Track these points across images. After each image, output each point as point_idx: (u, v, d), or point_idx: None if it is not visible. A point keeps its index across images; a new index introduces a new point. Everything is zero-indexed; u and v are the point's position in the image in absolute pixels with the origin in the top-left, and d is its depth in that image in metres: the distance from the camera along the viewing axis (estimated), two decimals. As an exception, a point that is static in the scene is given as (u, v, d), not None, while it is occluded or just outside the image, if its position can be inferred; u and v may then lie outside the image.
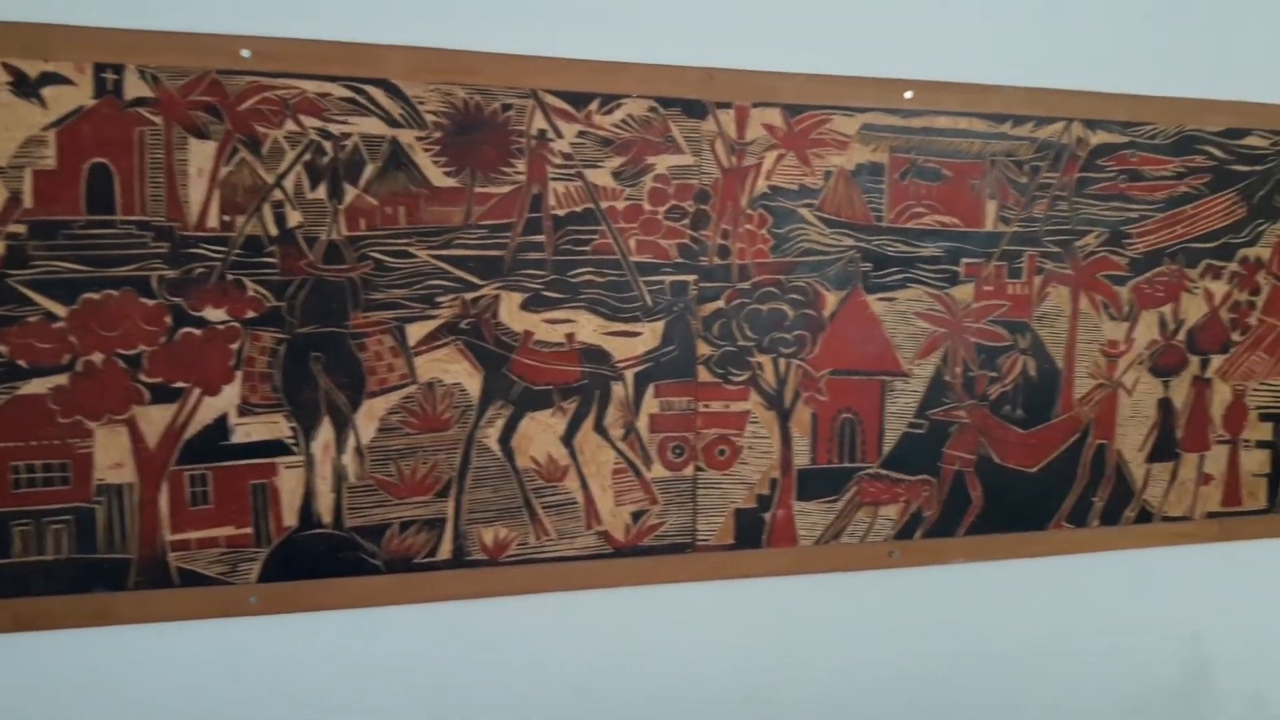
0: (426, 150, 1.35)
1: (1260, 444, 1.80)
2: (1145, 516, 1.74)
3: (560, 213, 1.41)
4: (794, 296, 1.53)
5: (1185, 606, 1.81)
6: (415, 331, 1.38)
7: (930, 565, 1.63)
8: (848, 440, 1.58)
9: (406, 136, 1.35)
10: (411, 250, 1.36)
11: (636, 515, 1.50)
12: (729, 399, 1.52)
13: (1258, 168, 1.73)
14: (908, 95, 1.54)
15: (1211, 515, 1.78)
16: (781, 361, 1.54)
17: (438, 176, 1.36)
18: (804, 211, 1.52)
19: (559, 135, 1.40)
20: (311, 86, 1.31)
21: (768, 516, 1.56)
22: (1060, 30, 1.61)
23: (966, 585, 1.67)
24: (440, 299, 1.38)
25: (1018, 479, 1.66)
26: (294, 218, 1.32)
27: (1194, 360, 1.74)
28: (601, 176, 1.43)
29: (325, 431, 1.36)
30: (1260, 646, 1.86)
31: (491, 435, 1.42)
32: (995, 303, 1.62)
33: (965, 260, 1.59)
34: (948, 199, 1.57)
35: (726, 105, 1.47)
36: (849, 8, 1.51)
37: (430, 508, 1.41)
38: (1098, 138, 1.64)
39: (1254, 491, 1.81)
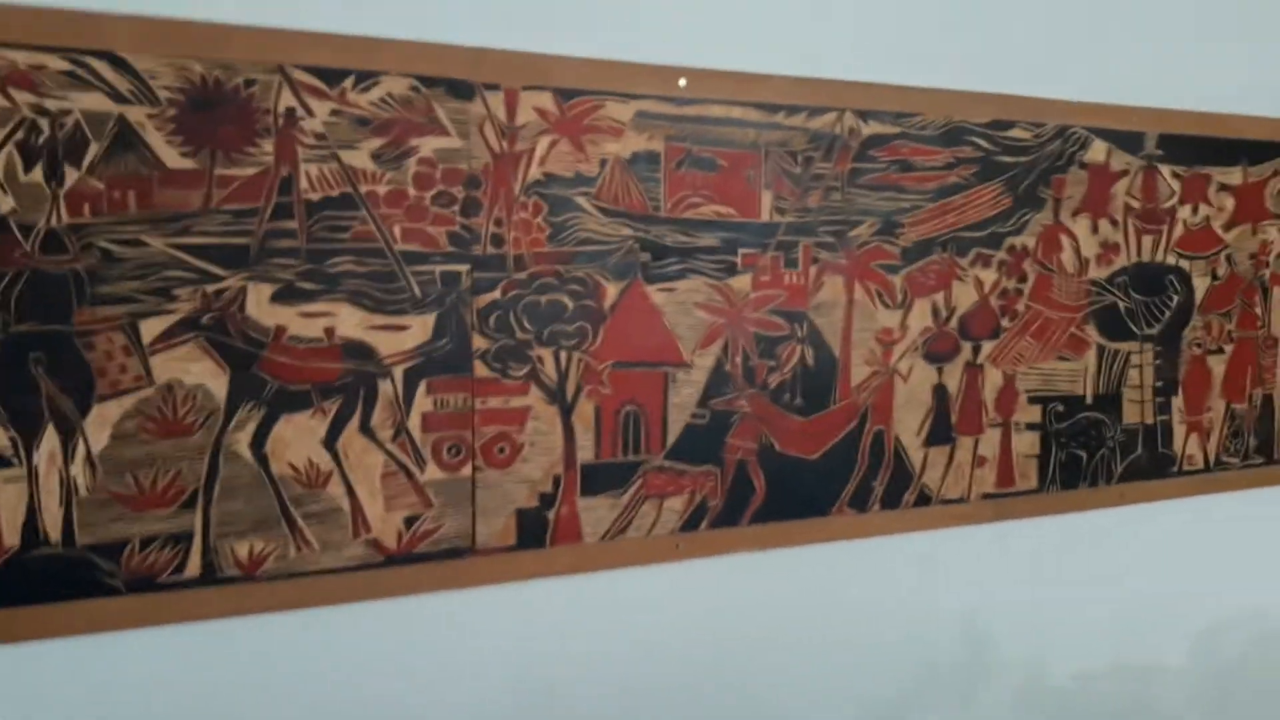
0: (159, 129, 1.23)
1: (1030, 426, 1.88)
2: (924, 500, 1.79)
3: (314, 197, 1.32)
4: (573, 287, 1.49)
5: (965, 584, 1.87)
6: (150, 328, 1.25)
7: (717, 556, 1.62)
8: (632, 433, 1.55)
9: (136, 114, 1.22)
10: (144, 238, 1.24)
11: (410, 520, 1.42)
12: (508, 394, 1.46)
13: (1022, 159, 1.80)
14: (681, 83, 1.52)
15: (987, 496, 1.84)
16: (563, 354, 1.49)
17: (172, 158, 1.24)
18: (580, 200, 1.48)
19: (310, 114, 1.31)
20: (23, 57, 1.17)
21: (551, 514, 1.50)
22: (832, 20, 1.63)
23: (753, 574, 1.66)
24: (178, 291, 1.26)
25: (799, 466, 1.67)
26: (6, 203, 1.18)
27: (966, 346, 1.80)
28: (359, 158, 1.34)
29: (50, 440, 1.22)
30: (1037, 617, 1.94)
31: (242, 440, 1.31)
32: (772, 293, 1.62)
33: (742, 250, 1.59)
34: (724, 189, 1.56)
35: (495, 87, 1.41)
36: (621, -9, 1.48)
37: (174, 521, 1.29)
38: (870, 128, 1.66)
39: (1025, 472, 1.88)
